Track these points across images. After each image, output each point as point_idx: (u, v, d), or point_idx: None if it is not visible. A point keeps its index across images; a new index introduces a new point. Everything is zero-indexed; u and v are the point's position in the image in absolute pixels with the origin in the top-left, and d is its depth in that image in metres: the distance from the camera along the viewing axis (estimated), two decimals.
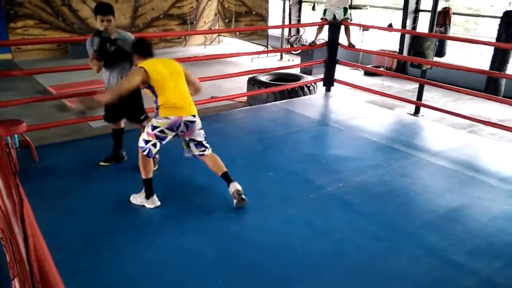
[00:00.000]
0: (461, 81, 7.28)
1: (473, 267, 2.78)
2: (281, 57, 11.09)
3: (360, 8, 9.93)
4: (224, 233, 3.09)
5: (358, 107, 6.22)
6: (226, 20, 12.62)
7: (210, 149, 3.46)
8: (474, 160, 4.51)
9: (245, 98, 7.11)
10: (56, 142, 4.89)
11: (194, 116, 3.27)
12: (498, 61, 6.53)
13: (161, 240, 2.97)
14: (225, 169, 3.39)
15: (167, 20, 12.26)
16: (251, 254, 2.86)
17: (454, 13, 8.49)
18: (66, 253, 2.75)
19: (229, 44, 13.24)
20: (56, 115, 6.26)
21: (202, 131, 3.40)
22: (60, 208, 3.36)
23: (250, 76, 6.87)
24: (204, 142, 3.43)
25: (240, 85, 7.29)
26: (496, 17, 8.33)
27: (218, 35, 13.32)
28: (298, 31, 12.13)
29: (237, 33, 12.30)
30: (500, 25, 6.61)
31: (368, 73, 9.27)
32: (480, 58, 10.30)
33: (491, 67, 6.53)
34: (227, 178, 3.37)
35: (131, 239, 2.98)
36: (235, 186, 3.31)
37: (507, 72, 6.49)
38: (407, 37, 8.92)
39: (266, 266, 2.75)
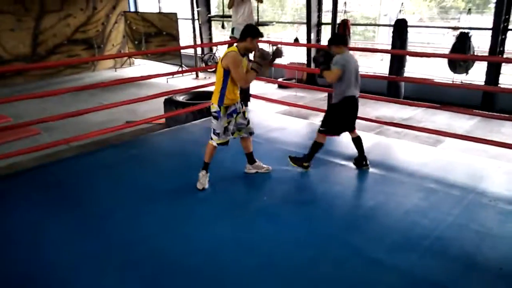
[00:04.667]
0: (365, 86, 7.79)
1: (393, 262, 2.96)
2: (197, 76, 11.09)
3: (267, 25, 10.27)
4: (151, 263, 2.96)
5: (275, 120, 6.40)
6: (136, 42, 12.34)
7: (210, 140, 4.01)
8: (384, 159, 4.83)
9: (164, 120, 6.96)
10: None
11: (212, 103, 3.89)
12: (396, 66, 7.13)
13: (81, 284, 2.77)
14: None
15: (72, 46, 11.67)
16: (180, 282, 2.78)
17: (352, 24, 9.14)
18: None
19: (141, 65, 12.95)
20: None
21: (212, 119, 3.94)
22: None
23: (167, 97, 6.75)
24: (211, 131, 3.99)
25: (157, 107, 7.12)
26: (389, 25, 9.11)
27: (129, 58, 12.98)
28: (211, 49, 12.24)
29: (149, 54, 12.07)
30: (393, 32, 7.25)
31: (281, 86, 9.58)
32: (380, 64, 11.19)
33: (390, 72, 7.10)
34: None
35: None
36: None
37: (405, 75, 7.10)
38: (313, 49, 9.38)
39: None
